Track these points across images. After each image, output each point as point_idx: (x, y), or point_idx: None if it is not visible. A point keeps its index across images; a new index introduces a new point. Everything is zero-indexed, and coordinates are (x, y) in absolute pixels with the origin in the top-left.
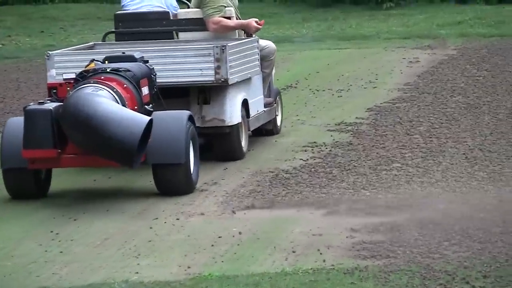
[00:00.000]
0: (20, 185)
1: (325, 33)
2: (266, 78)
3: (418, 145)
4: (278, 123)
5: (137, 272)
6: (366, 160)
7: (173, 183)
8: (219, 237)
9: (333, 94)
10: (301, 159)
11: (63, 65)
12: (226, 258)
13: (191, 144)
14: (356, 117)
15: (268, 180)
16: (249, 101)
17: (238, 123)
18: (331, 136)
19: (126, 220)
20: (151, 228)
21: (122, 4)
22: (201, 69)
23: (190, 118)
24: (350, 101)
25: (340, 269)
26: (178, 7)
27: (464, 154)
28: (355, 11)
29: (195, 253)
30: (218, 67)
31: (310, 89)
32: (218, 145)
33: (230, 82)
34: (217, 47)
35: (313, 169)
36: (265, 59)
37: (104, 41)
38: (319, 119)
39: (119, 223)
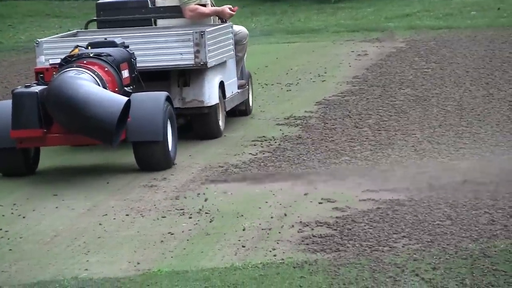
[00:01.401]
0: (9, 164)
1: (273, 27)
2: (239, 62)
3: (367, 138)
4: (250, 103)
5: (86, 269)
6: (315, 153)
7: (152, 159)
8: (169, 233)
9: (282, 88)
10: (250, 153)
11: (51, 51)
12: (176, 254)
13: (168, 123)
14: (305, 111)
15: (218, 175)
16: (225, 83)
17: (216, 103)
18: (280, 130)
19: (75, 216)
20: (100, 224)
21: None
22: (181, 53)
23: (168, 99)
24: (299, 94)
25: (290, 263)
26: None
27: (413, 146)
28: (304, 5)
29: (144, 249)
30: (198, 51)
31: (259, 83)
32: (198, 125)
33: (208, 66)
34: (196, 32)
35: (262, 163)
36: (238, 43)
37: (87, 29)
38: (268, 113)
39: (68, 219)
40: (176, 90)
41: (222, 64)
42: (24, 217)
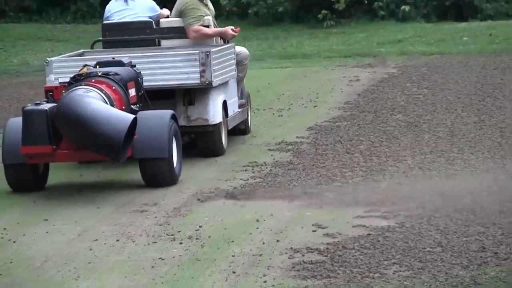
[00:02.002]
0: (19, 179)
1: (265, 52)
2: (240, 81)
3: (358, 164)
4: (249, 123)
5: None
6: (307, 179)
7: (157, 176)
8: (159, 258)
9: (273, 113)
10: (241, 178)
11: (60, 70)
12: (166, 280)
13: (174, 140)
14: (297, 136)
15: (208, 200)
16: (228, 102)
17: (220, 122)
18: (272, 155)
19: (65, 241)
20: (90, 249)
21: (106, 16)
22: (187, 73)
23: (173, 117)
24: (291, 120)
25: None
26: (158, 9)
27: (404, 172)
28: (296, 30)
29: (135, 274)
30: (203, 71)
31: (250, 109)
32: (202, 142)
33: (213, 85)
34: (202, 52)
35: (253, 189)
36: (240, 64)
37: (92, 49)
38: (260, 138)
39: (59, 244)
40: (182, 109)
41: (225, 84)
42: (14, 242)
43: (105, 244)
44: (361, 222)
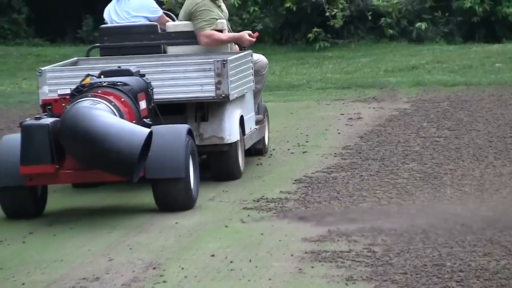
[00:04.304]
0: (17, 203)
1: None
2: (257, 94)
3: None
4: (266, 142)
5: None
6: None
7: (173, 198)
8: None
9: (251, 161)
10: (203, 252)
11: (55, 81)
12: None
13: (190, 158)
14: (281, 191)
15: (158, 279)
16: (244, 118)
17: (237, 140)
18: (248, 216)
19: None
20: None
21: (106, 21)
22: (201, 85)
23: (189, 132)
24: (273, 170)
25: None
26: (159, 10)
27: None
28: (280, 53)
29: None
30: (219, 82)
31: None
32: (216, 164)
33: (231, 98)
34: (218, 61)
35: (216, 270)
36: (257, 74)
37: (88, 56)
38: (233, 194)
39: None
40: (193, 125)
41: (242, 97)
42: None
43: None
44: None
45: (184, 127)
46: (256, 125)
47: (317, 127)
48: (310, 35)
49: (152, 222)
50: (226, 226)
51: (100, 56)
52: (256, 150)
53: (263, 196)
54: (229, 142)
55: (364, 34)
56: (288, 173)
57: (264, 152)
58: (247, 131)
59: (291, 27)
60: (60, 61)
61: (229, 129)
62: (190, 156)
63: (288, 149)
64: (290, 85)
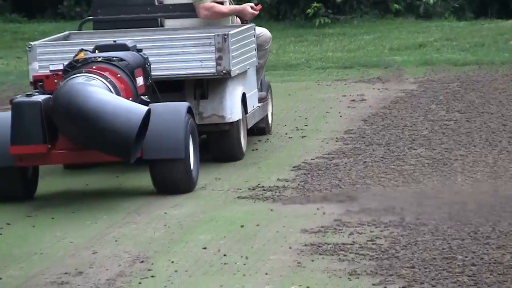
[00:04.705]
0: (5, 186)
1: None
2: (260, 70)
3: None
4: (270, 120)
5: None
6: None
7: (172, 180)
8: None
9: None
10: (195, 245)
11: (46, 56)
12: None
13: (190, 138)
14: (278, 179)
15: (144, 274)
16: (247, 95)
17: (239, 119)
18: (243, 205)
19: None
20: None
21: None
22: (200, 60)
23: (189, 111)
24: (270, 156)
25: None
26: None
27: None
28: (276, 30)
29: None
30: (220, 58)
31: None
32: (217, 145)
33: (232, 74)
34: (218, 35)
35: (209, 263)
36: (260, 48)
37: (81, 30)
38: (226, 181)
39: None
40: (192, 103)
41: (244, 73)
42: None
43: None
44: None
45: (183, 105)
46: (259, 102)
47: (317, 110)
48: (309, 10)
49: (139, 212)
50: (219, 217)
51: (94, 29)
52: (259, 129)
53: (259, 184)
54: (231, 121)
55: (367, 9)
56: (286, 159)
57: (268, 131)
58: (249, 109)
59: (288, 1)
60: (40, 39)
61: (231, 107)
62: (190, 135)
63: (286, 134)
64: (288, 65)
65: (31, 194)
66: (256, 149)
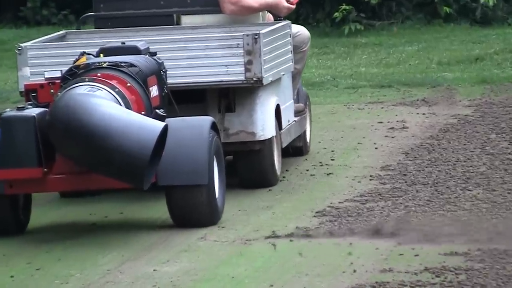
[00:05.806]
0: None
1: None
2: (296, 76)
3: None
4: (308, 138)
5: None
6: None
7: (192, 210)
8: None
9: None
10: None
11: (39, 61)
12: None
13: (215, 160)
14: (297, 227)
15: None
16: (281, 108)
17: (272, 136)
18: (254, 262)
19: None
20: None
21: None
22: (226, 66)
23: (213, 126)
24: (286, 198)
25: None
26: None
27: None
28: None
29: None
30: (249, 62)
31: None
32: (245, 167)
33: (264, 82)
34: (247, 35)
35: None
36: (297, 50)
37: (80, 29)
38: (232, 230)
39: None
40: (216, 117)
41: (278, 81)
42: None
43: None
44: None
45: (206, 120)
46: (295, 116)
47: (346, 140)
48: (336, 14)
49: (121, 269)
50: (223, 275)
51: (95, 28)
52: (296, 149)
53: (273, 233)
54: (262, 138)
55: (410, 12)
56: (307, 203)
57: (306, 151)
58: (284, 124)
59: (310, 3)
60: None
61: (262, 122)
62: (215, 157)
63: (307, 170)
64: (310, 83)
65: (22, 228)
66: (270, 190)
